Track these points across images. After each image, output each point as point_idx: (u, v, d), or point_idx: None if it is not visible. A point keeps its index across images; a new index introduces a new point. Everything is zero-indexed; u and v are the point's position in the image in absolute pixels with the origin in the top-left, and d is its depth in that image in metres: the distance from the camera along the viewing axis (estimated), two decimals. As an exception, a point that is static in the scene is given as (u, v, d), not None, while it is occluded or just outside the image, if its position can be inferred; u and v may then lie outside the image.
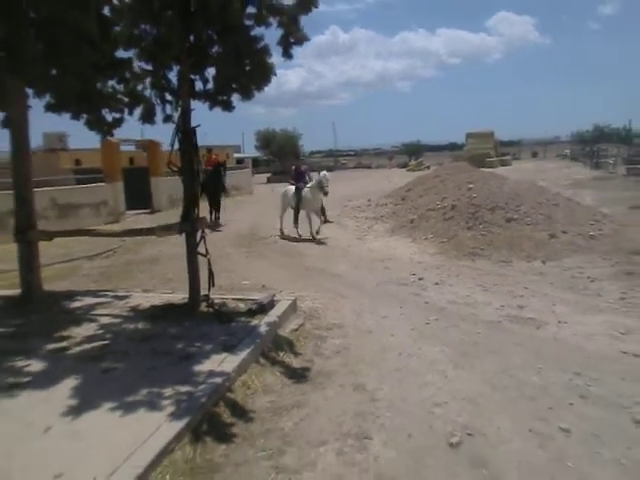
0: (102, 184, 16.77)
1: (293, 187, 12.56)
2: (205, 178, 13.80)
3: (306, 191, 12.05)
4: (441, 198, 12.60)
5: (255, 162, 42.54)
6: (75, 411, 3.36)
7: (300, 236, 12.13)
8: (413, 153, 58.80)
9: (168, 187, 20.15)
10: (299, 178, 12.71)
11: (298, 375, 4.23)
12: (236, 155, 47.74)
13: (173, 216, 15.24)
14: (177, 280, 7.81)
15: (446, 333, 5.26)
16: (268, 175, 42.36)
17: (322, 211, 12.68)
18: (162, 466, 2.85)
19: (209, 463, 2.98)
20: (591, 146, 36.41)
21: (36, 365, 4.20)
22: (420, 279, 7.84)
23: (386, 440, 3.24)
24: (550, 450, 3.08)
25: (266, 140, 45.99)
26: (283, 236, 12.28)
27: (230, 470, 2.93)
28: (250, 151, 54.31)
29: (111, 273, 8.73)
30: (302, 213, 12.27)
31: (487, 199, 11.07)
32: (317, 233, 11.81)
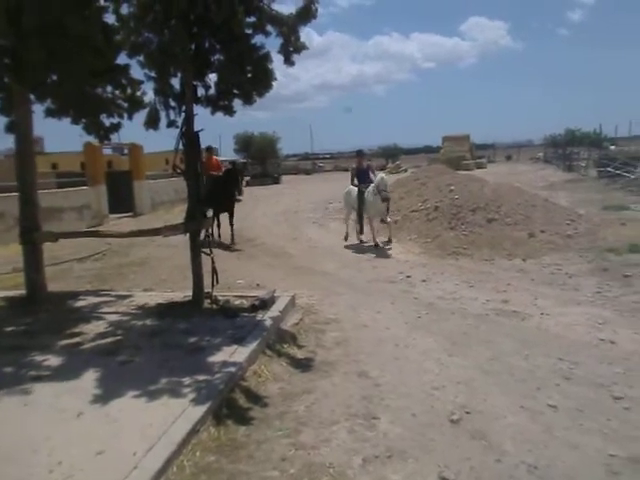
0: (85, 187, 16.77)
1: (356, 188, 11.17)
2: (211, 186, 10.88)
3: (369, 193, 10.71)
4: (423, 200, 12.98)
5: (233, 165, 42.58)
6: (102, 399, 3.58)
7: (362, 242, 11.22)
8: (390, 156, 59.54)
9: (151, 191, 20.28)
10: (362, 177, 11.18)
11: (303, 365, 4.50)
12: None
13: (157, 220, 15.56)
14: (171, 280, 8.02)
15: (438, 325, 5.59)
16: (247, 178, 42.47)
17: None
18: (192, 444, 3.10)
19: (233, 442, 3.24)
20: (563, 149, 37.48)
21: (54, 360, 4.38)
22: (408, 277, 8.17)
23: (392, 419, 3.53)
24: (540, 423, 3.42)
25: (245, 143, 46.11)
26: (361, 241, 11.15)
27: (253, 447, 3.19)
28: (228, 154, 54.31)
29: (104, 275, 8.85)
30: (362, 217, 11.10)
31: (468, 200, 11.49)
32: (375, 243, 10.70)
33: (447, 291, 7.19)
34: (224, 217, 12.09)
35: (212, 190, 11.02)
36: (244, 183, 11.10)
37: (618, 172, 22.49)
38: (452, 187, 12.63)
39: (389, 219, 11.22)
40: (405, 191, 14.94)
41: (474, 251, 9.65)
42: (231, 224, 11.89)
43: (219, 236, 11.79)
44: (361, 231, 11.17)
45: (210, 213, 11.49)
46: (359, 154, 11.92)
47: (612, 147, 41.78)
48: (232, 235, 11.79)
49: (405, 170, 37.50)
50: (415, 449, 3.16)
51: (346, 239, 11.48)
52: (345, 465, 2.99)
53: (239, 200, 12.15)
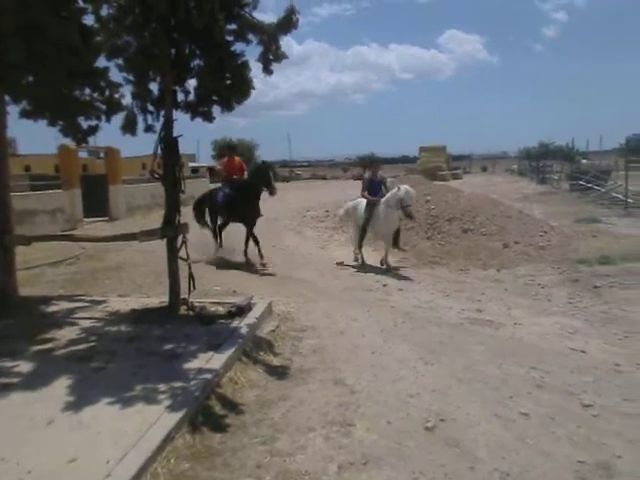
0: (59, 191, 16.48)
1: (364, 200, 9.84)
2: (235, 193, 9.81)
3: (381, 208, 9.40)
4: (400, 210, 13.13)
5: (211, 171, 42.46)
6: (75, 406, 3.52)
7: (359, 262, 9.92)
8: (367, 165, 59.88)
9: (127, 195, 20.03)
10: (374, 190, 9.78)
11: (280, 372, 4.50)
12: (191, 164, 47.47)
13: (133, 224, 15.38)
14: (147, 286, 7.93)
15: (413, 334, 5.64)
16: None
17: (396, 235, 9.73)
18: (166, 451, 3.07)
19: (209, 449, 3.22)
20: (537, 162, 38.24)
21: (25, 366, 4.29)
22: (384, 285, 8.25)
23: (368, 426, 3.55)
24: (513, 431, 3.48)
25: (223, 150, 45.97)
26: (364, 265, 9.74)
27: (229, 454, 3.17)
28: (206, 160, 54.08)
29: (77, 280, 8.70)
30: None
31: (445, 211, 11.67)
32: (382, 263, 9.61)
33: (423, 300, 7.27)
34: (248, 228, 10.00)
35: (237, 198, 9.78)
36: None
37: (590, 185, 23.06)
38: (429, 197, 12.81)
39: (404, 246, 10.12)
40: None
41: (450, 261, 9.78)
42: (253, 237, 9.78)
43: (246, 253, 9.82)
44: (359, 246, 9.93)
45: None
46: (374, 163, 10.88)
47: (584, 161, 42.83)
48: (259, 254, 9.61)
49: (360, 178, 37.70)
50: (390, 456, 3.18)
51: (363, 265, 9.82)
52: (321, 472, 3.00)
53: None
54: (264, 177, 9.53)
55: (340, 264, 10.00)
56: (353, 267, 9.77)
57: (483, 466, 3.06)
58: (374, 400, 3.95)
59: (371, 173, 10.32)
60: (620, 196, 18.56)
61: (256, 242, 9.67)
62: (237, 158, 10.78)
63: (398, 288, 8.02)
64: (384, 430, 3.50)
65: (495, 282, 8.36)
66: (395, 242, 9.68)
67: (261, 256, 9.53)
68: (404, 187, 9.19)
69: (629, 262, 8.87)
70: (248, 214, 9.75)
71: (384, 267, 9.42)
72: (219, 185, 11.05)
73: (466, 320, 6.27)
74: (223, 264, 10.02)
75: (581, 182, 23.98)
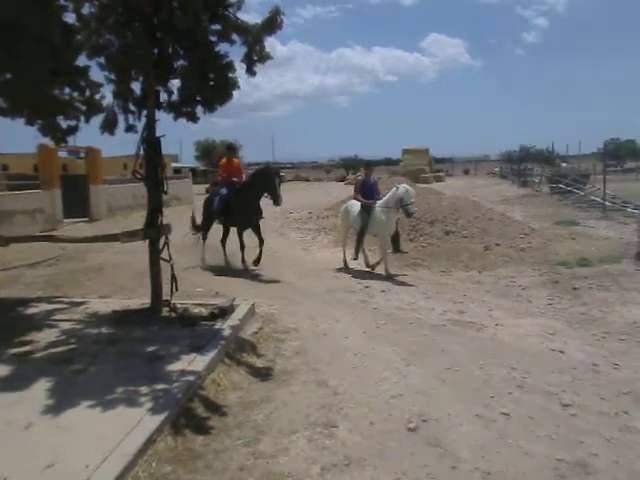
0: (38, 191, 16.25)
1: (358, 203, 9.58)
2: (233, 196, 9.31)
3: (378, 210, 9.14)
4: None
5: (193, 172, 42.27)
6: (53, 409, 3.47)
7: (348, 265, 9.73)
8: (350, 167, 60.14)
9: (108, 196, 19.82)
10: (368, 193, 9.53)
11: (262, 374, 4.49)
12: (174, 165, 47.15)
13: (113, 225, 15.22)
14: (128, 288, 7.84)
15: (396, 335, 5.66)
16: (207, 186, 42.05)
17: (395, 238, 9.44)
18: (147, 455, 3.04)
19: (191, 451, 3.20)
20: (518, 165, 38.73)
21: (2, 369, 4.21)
22: (367, 287, 8.27)
23: (351, 427, 3.56)
24: (494, 430, 3.52)
25: (206, 150, 45.78)
26: (348, 269, 9.64)
27: (211, 456, 3.16)
28: (189, 161, 53.76)
29: (57, 281, 8.57)
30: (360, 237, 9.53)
31: (427, 213, 11.74)
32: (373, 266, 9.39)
33: (405, 301, 7.31)
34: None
35: (236, 201, 9.29)
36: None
37: (569, 189, 23.42)
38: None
39: (404, 248, 9.79)
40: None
41: (432, 262, 9.85)
42: (260, 240, 9.35)
43: (243, 260, 9.36)
44: (356, 255, 9.54)
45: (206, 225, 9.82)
46: (368, 166, 10.35)
47: (563, 164, 43.57)
48: (258, 257, 9.22)
49: (354, 181, 37.86)
50: (373, 457, 3.20)
51: (346, 266, 9.78)
52: (304, 474, 3.00)
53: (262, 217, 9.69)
54: (267, 183, 8.90)
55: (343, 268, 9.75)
56: (339, 269, 9.77)
57: (464, 465, 3.09)
58: (357, 401, 3.96)
59: (365, 176, 10.03)
60: (598, 199, 18.86)
61: (261, 245, 9.31)
62: (236, 160, 10.22)
63: (380, 290, 8.05)
64: (367, 431, 3.52)
65: (477, 284, 8.44)
66: (396, 245, 9.41)
67: (259, 259, 9.19)
68: (403, 185, 9.06)
69: (607, 264, 9.03)
70: (251, 217, 9.29)
71: (385, 274, 9.04)
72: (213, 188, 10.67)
73: (448, 321, 6.32)
74: (205, 265, 9.96)
75: (561, 185, 24.33)
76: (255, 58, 5.55)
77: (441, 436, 3.44)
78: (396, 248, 9.44)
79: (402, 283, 8.53)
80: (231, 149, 10.31)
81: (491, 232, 10.88)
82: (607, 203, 17.67)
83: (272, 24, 5.32)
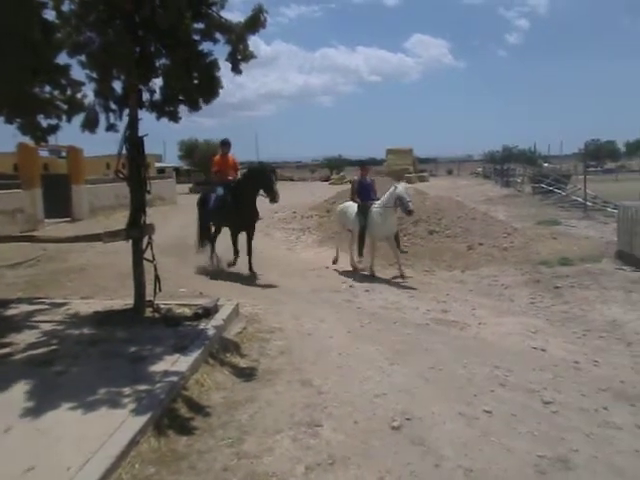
0: (18, 190, 16.01)
1: (355, 204, 9.44)
2: (227, 196, 8.98)
3: (376, 211, 8.99)
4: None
5: (176, 172, 41.96)
6: (34, 412, 3.42)
7: (359, 269, 9.43)
8: (334, 167, 60.15)
9: (90, 195, 19.60)
10: (364, 194, 9.40)
11: (247, 374, 4.47)
12: (157, 164, 46.76)
13: (96, 225, 15.05)
14: (111, 288, 7.76)
15: (380, 334, 5.69)
16: (190, 185, 41.83)
17: (395, 238, 9.25)
18: (130, 456, 3.02)
19: (174, 452, 3.18)
20: (501, 165, 39.09)
21: (-20, 371, 4.15)
22: (351, 287, 8.31)
23: (335, 427, 3.56)
24: (476, 428, 3.55)
25: (189, 150, 45.37)
26: (355, 268, 9.48)
27: (195, 457, 3.14)
28: (173, 161, 53.36)
29: (38, 282, 8.46)
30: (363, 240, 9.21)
31: (411, 212, 11.78)
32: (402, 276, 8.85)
33: (389, 301, 7.35)
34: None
35: (230, 202, 8.90)
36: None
37: (551, 189, 23.71)
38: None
39: (404, 248, 9.63)
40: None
41: (415, 262, 9.90)
42: (249, 249, 9.08)
43: (234, 263, 9.14)
44: (360, 254, 9.29)
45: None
46: (363, 166, 10.07)
47: (545, 165, 44.10)
48: (250, 263, 8.94)
49: (349, 182, 37.91)
50: (357, 456, 3.21)
51: (335, 262, 9.86)
52: (288, 473, 3.00)
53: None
54: (263, 180, 8.64)
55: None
56: (325, 269, 9.78)
57: (447, 463, 3.11)
58: (341, 400, 3.97)
59: (360, 176, 9.79)
60: (579, 199, 19.11)
61: (250, 253, 9.01)
62: (231, 156, 9.66)
63: (364, 289, 8.08)
64: (351, 430, 3.52)
65: (460, 283, 8.51)
66: (396, 245, 9.22)
67: (251, 268, 8.87)
68: (401, 185, 8.93)
69: (588, 263, 9.15)
70: (246, 219, 8.97)
71: (400, 278, 8.81)
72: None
73: (431, 320, 6.36)
74: (188, 264, 9.91)
75: (543, 185, 24.62)
76: (239, 57, 5.52)
77: (424, 434, 3.46)
78: (399, 249, 9.25)
79: (386, 282, 8.58)
80: (225, 144, 9.57)
81: (474, 232, 10.96)
82: (588, 203, 17.91)
83: (255, 23, 5.30)
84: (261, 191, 8.71)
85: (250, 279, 8.63)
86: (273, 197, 8.57)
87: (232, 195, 8.94)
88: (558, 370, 4.69)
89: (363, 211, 9.14)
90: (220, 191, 9.20)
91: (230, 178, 9.29)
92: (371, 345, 5.28)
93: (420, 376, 4.47)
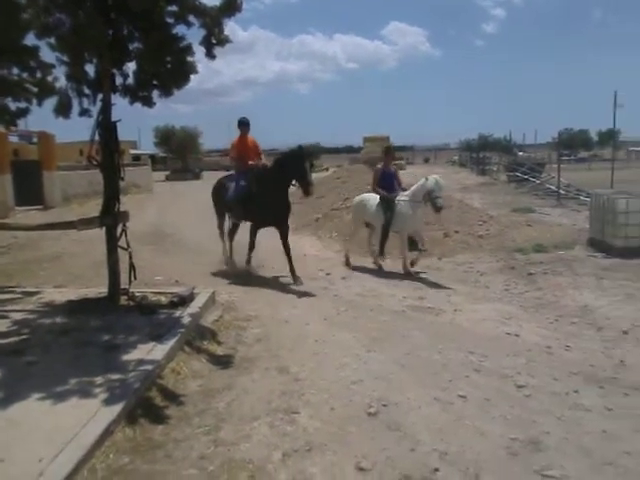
0: (-14, 177, 15.61)
1: (376, 196, 8.60)
2: (252, 184, 7.73)
3: (406, 205, 8.17)
4: (344, 198, 13.23)
5: (152, 159, 41.37)
6: (4, 402, 3.34)
7: (379, 267, 8.73)
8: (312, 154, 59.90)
9: (62, 182, 19.19)
10: (387, 183, 8.54)
11: (223, 361, 4.45)
12: (132, 151, 46.03)
13: (69, 213, 14.76)
14: (85, 277, 7.65)
15: (356, 321, 5.71)
16: (167, 173, 41.35)
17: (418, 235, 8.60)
18: (105, 446, 2.98)
19: (150, 441, 3.15)
20: (477, 154, 39.45)
21: (-52, 362, 4.04)
22: (328, 274, 8.31)
23: (312, 414, 3.57)
24: (451, 413, 3.60)
25: (165, 137, 44.71)
26: (350, 265, 8.86)
27: (171, 446, 3.12)
28: (148, 148, 52.55)
29: (10, 271, 8.27)
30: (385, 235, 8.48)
31: (388, 200, 11.80)
32: (412, 265, 8.30)
33: (366, 288, 7.38)
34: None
35: (258, 192, 7.61)
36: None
37: (526, 177, 24.05)
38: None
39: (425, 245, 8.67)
40: (326, 189, 15.14)
41: (392, 250, 9.93)
42: (286, 248, 7.81)
43: (249, 259, 8.17)
44: (381, 252, 8.61)
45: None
46: (388, 152, 9.01)
47: (520, 153, 44.63)
48: (291, 268, 7.60)
49: (326, 169, 37.90)
50: (334, 442, 3.22)
51: (348, 264, 8.91)
52: (265, 460, 3.00)
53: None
54: (299, 168, 7.26)
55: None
56: (304, 255, 9.70)
57: (423, 447, 3.15)
58: (318, 387, 3.98)
59: (384, 164, 8.80)
60: (553, 187, 19.44)
61: (288, 254, 7.78)
62: (250, 137, 8.26)
63: (341, 277, 8.10)
64: (327, 417, 3.54)
65: (436, 270, 8.59)
66: (420, 243, 8.58)
67: (294, 276, 7.58)
68: (433, 177, 8.02)
69: (561, 250, 9.33)
70: (274, 212, 7.69)
71: (413, 272, 8.21)
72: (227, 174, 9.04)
73: (408, 307, 6.41)
74: (163, 253, 9.80)
75: (518, 174, 24.97)
76: (214, 41, 5.43)
77: (401, 420, 3.49)
78: (419, 246, 8.55)
79: (363, 270, 8.60)
80: (244, 124, 8.10)
81: (450, 219, 11.04)
82: (561, 191, 18.23)
83: (231, 6, 5.21)
84: (294, 181, 7.50)
85: (227, 269, 8.52)
86: (307, 189, 7.29)
87: (259, 184, 7.65)
88: (531, 355, 4.78)
89: (387, 203, 8.37)
90: (243, 183, 7.95)
91: (251, 163, 8.00)
92: (348, 332, 5.30)
93: (396, 362, 4.50)
